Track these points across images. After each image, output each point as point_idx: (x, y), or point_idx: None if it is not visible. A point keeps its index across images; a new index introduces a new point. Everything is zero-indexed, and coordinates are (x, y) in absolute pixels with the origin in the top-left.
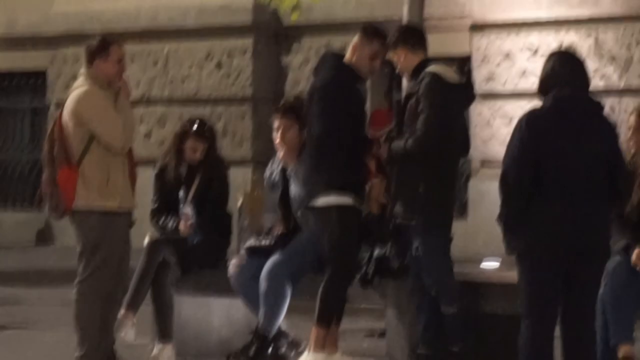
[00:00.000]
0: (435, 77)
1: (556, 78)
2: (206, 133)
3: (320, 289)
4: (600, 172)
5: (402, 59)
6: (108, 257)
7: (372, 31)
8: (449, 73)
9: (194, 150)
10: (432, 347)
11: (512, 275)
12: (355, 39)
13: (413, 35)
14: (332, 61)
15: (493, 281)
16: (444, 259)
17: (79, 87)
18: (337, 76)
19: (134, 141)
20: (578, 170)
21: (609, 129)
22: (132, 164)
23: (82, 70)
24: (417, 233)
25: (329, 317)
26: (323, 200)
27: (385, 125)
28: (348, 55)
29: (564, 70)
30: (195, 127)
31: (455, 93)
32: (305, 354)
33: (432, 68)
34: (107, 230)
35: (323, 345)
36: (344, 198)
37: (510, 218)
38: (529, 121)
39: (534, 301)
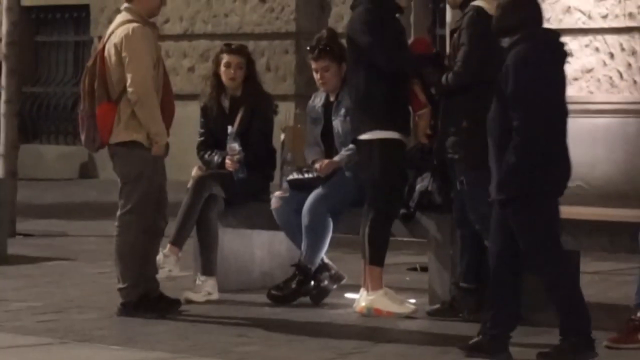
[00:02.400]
0: (478, 10)
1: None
2: (239, 49)
3: (367, 230)
4: None
5: None
6: (148, 190)
7: None
8: (495, 6)
9: (228, 66)
10: (475, 281)
11: (574, 212)
12: None
13: None
14: None
15: None
16: (486, 193)
17: (125, 22)
18: (374, 9)
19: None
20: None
21: None
22: (170, 98)
23: (125, 4)
24: (462, 167)
25: (380, 255)
26: (367, 135)
27: (427, 53)
28: None
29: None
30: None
31: None
32: (365, 294)
33: (477, 2)
34: (145, 162)
35: (380, 283)
36: (389, 132)
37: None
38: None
39: (556, 233)
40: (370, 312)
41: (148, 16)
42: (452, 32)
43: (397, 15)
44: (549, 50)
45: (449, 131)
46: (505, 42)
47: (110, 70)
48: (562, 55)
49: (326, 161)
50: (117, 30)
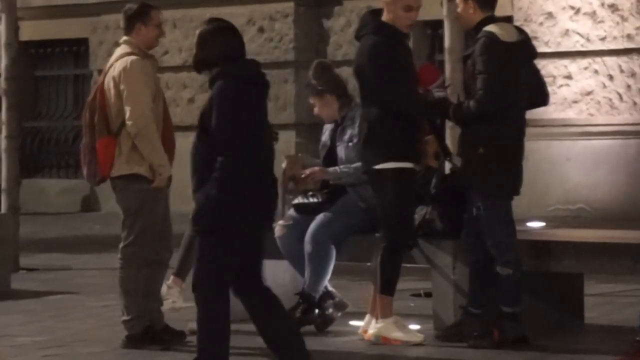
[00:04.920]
0: (491, 37)
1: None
2: None
3: (378, 259)
4: None
5: (470, 12)
6: (150, 222)
7: None
8: (507, 31)
9: None
10: (484, 306)
11: (558, 233)
12: None
13: None
14: (371, 23)
15: (540, 239)
16: (506, 219)
17: (124, 54)
18: (381, 41)
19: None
20: None
21: None
22: (170, 130)
23: (123, 37)
24: (480, 193)
25: (391, 285)
26: (381, 165)
27: (434, 81)
28: (384, 14)
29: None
30: None
31: (511, 51)
32: (373, 322)
33: (489, 27)
34: (146, 195)
35: (390, 311)
36: (401, 162)
37: None
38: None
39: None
40: (378, 340)
41: (147, 48)
42: (464, 58)
43: (401, 41)
44: (251, 83)
45: (466, 156)
46: (207, 74)
47: (109, 103)
48: (263, 87)
49: (317, 169)
50: (116, 63)
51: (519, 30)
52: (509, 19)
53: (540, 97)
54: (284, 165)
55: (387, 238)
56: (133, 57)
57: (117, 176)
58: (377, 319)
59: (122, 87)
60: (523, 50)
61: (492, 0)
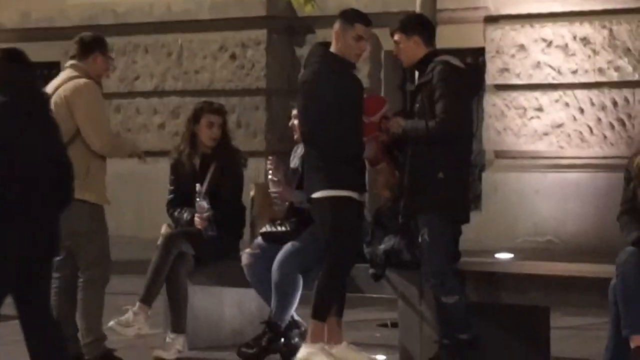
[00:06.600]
0: (448, 64)
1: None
2: (220, 108)
3: (317, 282)
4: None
5: (414, 47)
6: (104, 244)
7: (352, 14)
8: (456, 61)
9: (210, 126)
10: (452, 337)
11: (526, 266)
12: (335, 26)
13: (429, 26)
14: (319, 52)
15: (508, 271)
16: (446, 248)
17: (73, 77)
18: (323, 68)
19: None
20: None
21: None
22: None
23: (71, 62)
24: (426, 220)
25: (325, 309)
26: (319, 193)
27: (378, 111)
28: (333, 43)
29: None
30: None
31: (467, 77)
32: (303, 346)
33: (442, 57)
34: (96, 219)
35: (321, 337)
36: (340, 191)
37: None
38: None
39: None
40: None
41: (97, 77)
42: (417, 87)
43: (347, 72)
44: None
45: (420, 183)
46: None
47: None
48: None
49: (284, 187)
50: (65, 85)
51: (474, 63)
52: (480, 51)
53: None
54: (252, 193)
55: (327, 263)
56: (87, 80)
57: None
58: (306, 342)
59: (79, 109)
60: (473, 78)
61: (433, 35)
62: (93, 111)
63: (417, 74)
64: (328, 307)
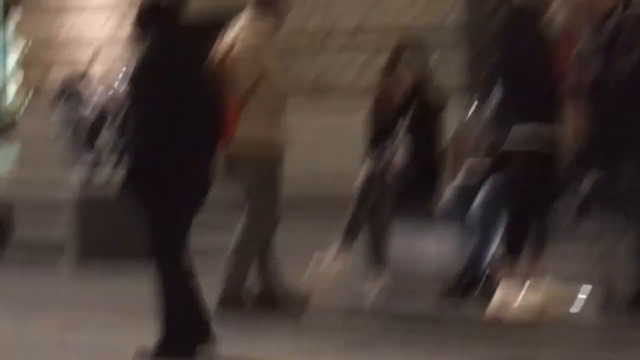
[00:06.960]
0: None
1: None
2: (416, 61)
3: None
4: None
5: None
6: (273, 197)
7: None
8: None
9: (403, 79)
10: None
11: None
12: None
13: None
14: None
15: None
16: None
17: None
18: None
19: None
20: None
21: None
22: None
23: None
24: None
25: (518, 243)
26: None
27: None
28: None
29: None
30: (404, 55)
31: None
32: (502, 281)
33: None
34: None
35: (519, 271)
36: None
37: None
38: None
39: None
40: None
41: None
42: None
43: None
44: None
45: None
46: None
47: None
48: None
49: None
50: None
51: None
52: None
53: None
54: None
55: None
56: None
57: None
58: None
59: None
60: None
61: None
62: None
63: None
64: (521, 240)
